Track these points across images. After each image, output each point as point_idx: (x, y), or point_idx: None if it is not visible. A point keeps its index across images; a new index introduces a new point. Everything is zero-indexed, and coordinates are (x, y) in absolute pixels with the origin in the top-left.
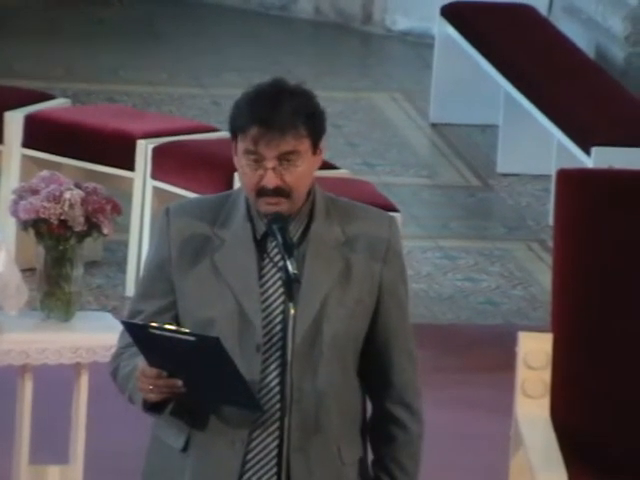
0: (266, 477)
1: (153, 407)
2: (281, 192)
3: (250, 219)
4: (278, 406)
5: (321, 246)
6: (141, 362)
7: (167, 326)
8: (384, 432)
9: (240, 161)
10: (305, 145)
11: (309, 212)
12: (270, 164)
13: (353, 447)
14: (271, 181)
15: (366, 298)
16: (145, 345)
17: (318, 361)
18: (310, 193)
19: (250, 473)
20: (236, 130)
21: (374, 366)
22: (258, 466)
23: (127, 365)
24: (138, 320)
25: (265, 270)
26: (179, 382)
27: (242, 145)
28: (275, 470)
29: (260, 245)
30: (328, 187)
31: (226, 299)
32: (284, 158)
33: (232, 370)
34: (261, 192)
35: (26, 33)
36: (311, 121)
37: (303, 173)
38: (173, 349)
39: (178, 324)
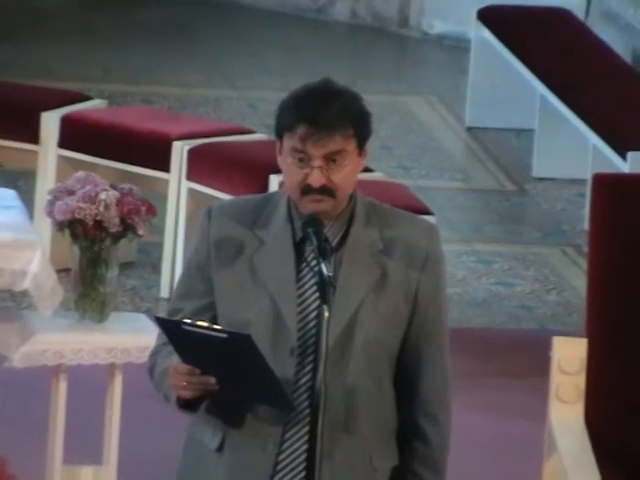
0: (295, 479)
1: (187, 405)
2: (326, 191)
3: (290, 222)
4: (309, 409)
5: (359, 252)
6: (176, 359)
7: (200, 322)
8: (407, 443)
9: (286, 159)
10: (352, 145)
11: (349, 217)
12: (317, 163)
13: (386, 455)
14: (317, 180)
15: (401, 307)
16: (178, 342)
17: (348, 365)
18: (351, 197)
19: (280, 475)
20: (283, 128)
21: (404, 374)
22: (288, 468)
23: (163, 363)
24: (177, 318)
25: (302, 273)
26: (212, 379)
27: (289, 143)
28: (304, 474)
29: (299, 248)
30: (363, 190)
31: (262, 300)
32: (331, 158)
33: (264, 367)
34: (306, 190)
35: (62, 35)
36: (359, 121)
37: (349, 173)
38: (205, 346)
39: (216, 325)
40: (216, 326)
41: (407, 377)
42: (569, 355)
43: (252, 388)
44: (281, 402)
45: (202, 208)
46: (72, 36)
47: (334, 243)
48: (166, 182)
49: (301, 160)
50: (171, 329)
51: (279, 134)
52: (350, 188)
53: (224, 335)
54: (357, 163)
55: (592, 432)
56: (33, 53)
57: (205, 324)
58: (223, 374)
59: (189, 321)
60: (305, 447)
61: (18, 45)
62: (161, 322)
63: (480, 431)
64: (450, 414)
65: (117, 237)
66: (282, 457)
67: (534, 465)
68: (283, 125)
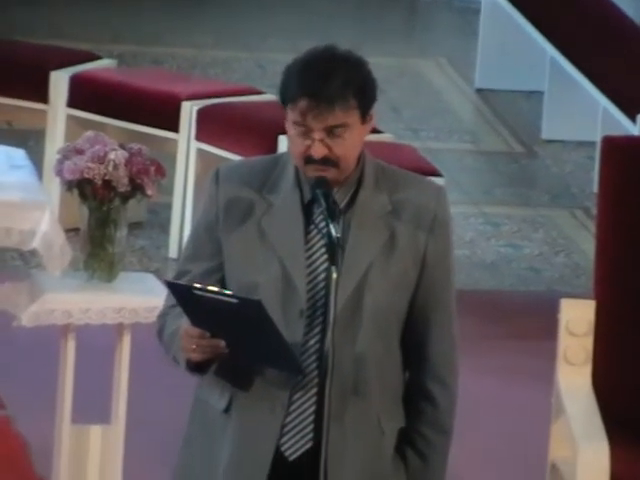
0: (303, 441)
1: (196, 367)
2: (329, 162)
3: (299, 184)
4: (317, 371)
5: (367, 214)
6: (185, 322)
7: (210, 287)
8: (414, 405)
9: (289, 129)
10: (354, 117)
11: (357, 179)
12: (317, 136)
13: (394, 417)
14: (318, 152)
15: (410, 269)
16: (188, 306)
17: (358, 329)
18: (360, 160)
19: (288, 436)
20: (285, 100)
21: (412, 338)
22: (296, 430)
23: (172, 325)
24: (185, 280)
25: (311, 235)
26: (222, 342)
27: (291, 115)
28: (312, 435)
29: (307, 211)
30: (372, 151)
31: (271, 263)
32: (332, 131)
33: (274, 332)
34: (308, 160)
35: None
36: (361, 92)
37: (351, 144)
38: (216, 310)
39: (224, 287)
40: (227, 291)
41: (414, 339)
42: (577, 317)
43: (261, 352)
44: (290, 366)
45: (211, 168)
46: None
47: (342, 205)
48: (175, 142)
49: (303, 132)
50: (181, 293)
51: (283, 103)
52: (354, 157)
53: (235, 300)
54: (361, 131)
55: (599, 394)
56: (43, 15)
57: (216, 289)
58: (233, 338)
59: (200, 286)
60: (313, 409)
61: (28, 7)
62: (171, 286)
63: (488, 393)
64: (457, 376)
65: (126, 197)
66: (290, 419)
67: (542, 427)
68: (286, 97)
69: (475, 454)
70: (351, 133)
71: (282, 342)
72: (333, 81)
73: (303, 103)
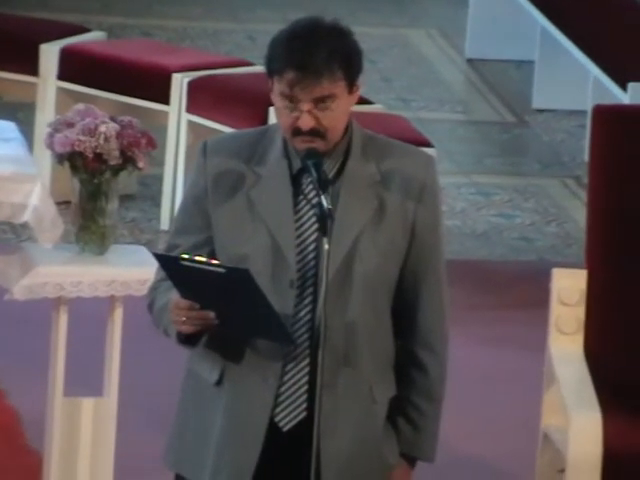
0: (296, 412)
1: (187, 339)
2: (316, 133)
3: (286, 155)
4: (309, 342)
5: (356, 184)
6: (175, 295)
7: (198, 258)
8: (404, 373)
9: (276, 102)
10: (341, 87)
11: (345, 149)
12: (305, 107)
13: (385, 386)
14: (306, 123)
15: (399, 238)
16: (177, 277)
17: (348, 298)
18: (347, 130)
19: (281, 407)
20: (272, 72)
21: (402, 306)
22: (289, 401)
23: (162, 298)
24: (175, 254)
25: (300, 206)
26: (212, 314)
27: (278, 87)
28: (305, 405)
29: (296, 181)
30: (362, 122)
31: (260, 234)
32: (319, 101)
33: (263, 302)
34: (296, 132)
35: None
36: (347, 63)
37: (338, 114)
38: (204, 281)
39: (215, 259)
40: (214, 261)
41: (405, 308)
42: (569, 286)
43: (252, 323)
44: (281, 337)
45: (201, 140)
46: None
47: (331, 175)
48: (166, 114)
49: (290, 103)
50: (169, 265)
51: (269, 75)
52: (341, 127)
53: (222, 270)
54: (348, 101)
55: (591, 363)
56: None
57: (203, 259)
58: (222, 309)
59: (187, 256)
60: (306, 379)
61: None
62: (159, 258)
63: (480, 363)
64: (447, 344)
65: (117, 170)
66: (283, 389)
67: (534, 396)
68: (272, 68)
69: (467, 423)
70: (338, 104)
71: (271, 312)
72: (319, 52)
73: (290, 75)
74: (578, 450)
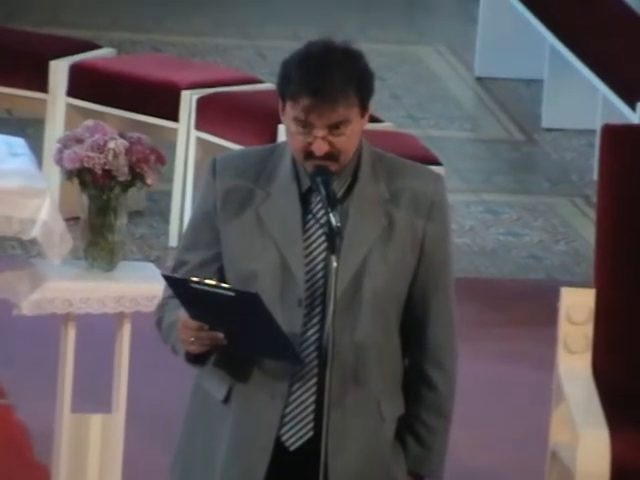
0: (303, 431)
1: (195, 359)
2: (330, 157)
3: (296, 174)
4: (317, 361)
5: (365, 202)
6: (183, 314)
7: (207, 281)
8: (413, 391)
9: (289, 125)
10: (355, 112)
11: (355, 168)
12: (320, 133)
13: (394, 404)
14: (321, 149)
15: (408, 255)
16: (186, 298)
17: (357, 316)
18: (357, 149)
19: (288, 426)
20: (285, 96)
21: (411, 323)
22: (296, 419)
23: (171, 316)
24: (183, 271)
25: (309, 225)
26: (220, 335)
27: (292, 112)
28: (312, 424)
29: (305, 200)
30: (372, 140)
31: (269, 252)
32: (334, 127)
33: (272, 324)
34: (309, 156)
35: None
36: (361, 87)
37: (351, 138)
38: (213, 303)
39: (223, 276)
40: (223, 284)
41: (414, 325)
42: (577, 305)
43: (260, 344)
44: (289, 357)
45: (210, 157)
46: None
47: (340, 194)
48: (175, 131)
49: (304, 128)
50: (178, 286)
51: (282, 97)
52: (353, 149)
53: (232, 293)
54: (360, 124)
55: (599, 381)
56: (42, 1)
57: (213, 282)
58: (231, 330)
59: (196, 279)
60: (313, 398)
61: None
62: (168, 279)
63: (488, 380)
64: (456, 361)
65: (126, 186)
66: (289, 409)
67: (542, 414)
68: (285, 92)
69: (475, 440)
70: (352, 128)
71: (280, 334)
72: (335, 78)
73: (305, 101)
74: (586, 467)
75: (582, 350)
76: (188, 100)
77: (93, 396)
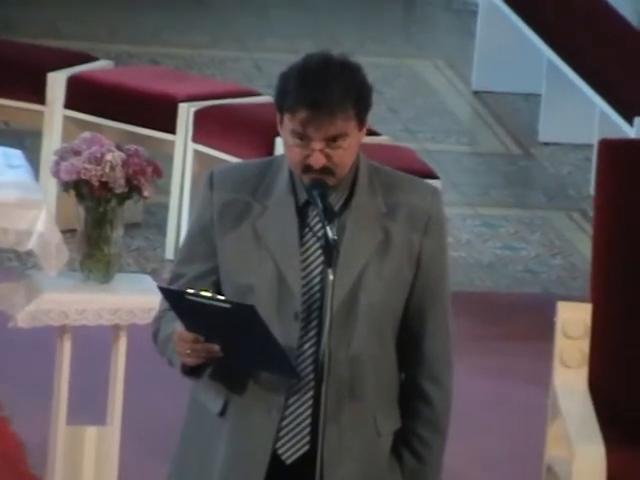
0: (299, 444)
1: (191, 371)
2: (327, 170)
3: (293, 187)
4: (313, 374)
5: (362, 216)
6: (179, 326)
7: (203, 292)
8: (409, 405)
9: (286, 138)
10: (352, 125)
11: (352, 181)
12: (318, 146)
13: (390, 418)
14: (318, 161)
15: (405, 270)
16: (182, 311)
17: (353, 330)
18: (354, 162)
19: (284, 440)
20: (283, 108)
21: (407, 337)
22: (293, 433)
23: (167, 328)
24: (180, 284)
25: (306, 238)
26: (216, 347)
27: (289, 124)
28: (308, 438)
29: (302, 213)
30: (369, 153)
31: (266, 265)
32: (331, 140)
33: (268, 337)
34: (307, 169)
35: None
36: (359, 101)
37: (349, 151)
38: (209, 315)
39: (219, 289)
40: (219, 296)
41: (410, 339)
42: (573, 319)
43: (256, 356)
44: (286, 370)
45: (207, 170)
46: None
47: (337, 208)
48: (172, 143)
49: (302, 141)
50: (174, 298)
51: (279, 110)
52: (350, 162)
53: (228, 305)
54: (357, 137)
55: (595, 396)
56: (40, 12)
57: (209, 294)
58: (227, 342)
59: (192, 291)
60: (309, 412)
61: (26, 5)
62: (164, 291)
63: (484, 394)
64: (452, 376)
65: (123, 198)
66: (286, 423)
67: (538, 429)
68: (283, 104)
69: (471, 454)
70: (349, 141)
71: (277, 346)
72: (333, 91)
73: (303, 114)
74: None
75: (578, 365)
76: (185, 112)
77: (88, 408)
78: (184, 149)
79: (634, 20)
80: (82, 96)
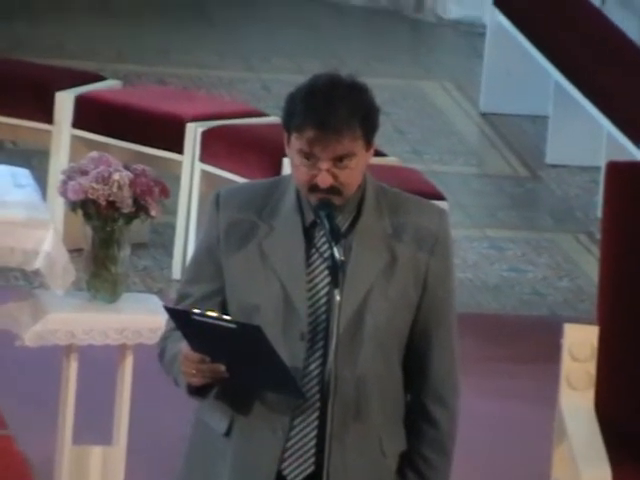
0: (305, 465)
1: (197, 391)
2: (334, 190)
3: (299, 207)
4: (319, 395)
5: (368, 237)
6: (185, 346)
7: (209, 313)
8: (415, 427)
9: (293, 157)
10: (359, 145)
11: (358, 202)
12: (325, 165)
13: (396, 439)
14: (325, 181)
15: (411, 291)
16: (188, 330)
17: (359, 351)
18: (361, 183)
19: (290, 460)
20: (290, 128)
21: (413, 359)
22: (298, 454)
23: (173, 348)
24: (186, 304)
25: (312, 258)
26: (222, 367)
27: (297, 143)
28: (314, 459)
29: (308, 234)
30: (376, 174)
31: (272, 285)
32: (338, 160)
33: (274, 357)
34: (313, 189)
35: (78, 13)
36: (366, 121)
37: (356, 172)
38: (215, 336)
39: (225, 310)
40: (225, 316)
41: (416, 360)
42: (580, 342)
43: (262, 376)
44: (291, 391)
45: (214, 190)
46: (87, 15)
47: (344, 229)
48: (179, 163)
49: (309, 161)
50: (180, 318)
51: (287, 129)
52: (357, 183)
53: (233, 326)
54: (365, 158)
55: (602, 419)
56: (48, 32)
57: (214, 314)
58: (233, 362)
59: (198, 311)
60: (314, 433)
61: (33, 23)
62: (170, 311)
63: (490, 416)
64: (459, 397)
65: (130, 218)
66: (291, 443)
67: (544, 451)
68: (290, 124)
69: (477, 476)
70: (357, 162)
71: (282, 367)
72: (340, 111)
73: (310, 133)
74: None
75: (585, 387)
76: (193, 132)
77: (94, 428)
78: (191, 169)
79: None
80: (90, 116)
